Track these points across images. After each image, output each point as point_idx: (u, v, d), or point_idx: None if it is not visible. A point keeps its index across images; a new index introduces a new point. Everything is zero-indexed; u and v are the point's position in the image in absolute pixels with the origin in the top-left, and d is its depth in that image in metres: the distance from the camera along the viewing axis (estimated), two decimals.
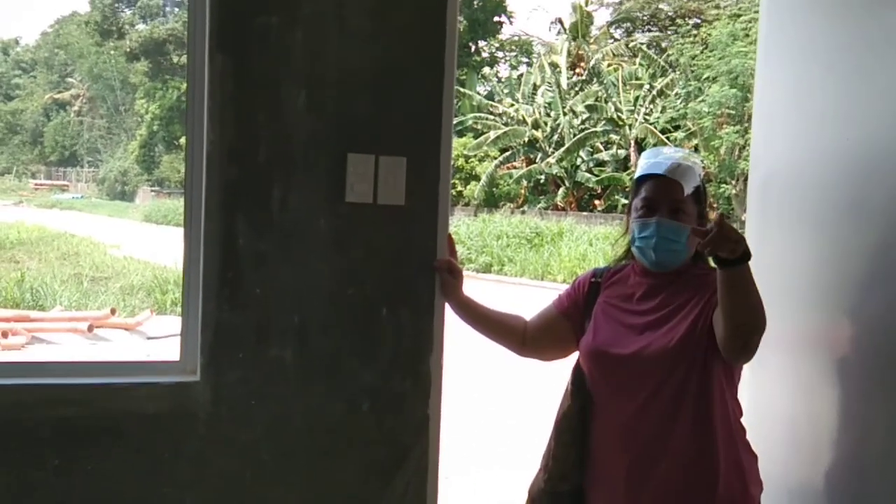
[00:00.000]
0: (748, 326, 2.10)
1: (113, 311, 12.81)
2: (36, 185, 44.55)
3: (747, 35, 21.65)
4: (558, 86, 26.61)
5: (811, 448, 2.66)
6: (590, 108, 26.14)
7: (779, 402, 2.68)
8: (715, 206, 21.23)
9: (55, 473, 2.48)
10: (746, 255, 2.02)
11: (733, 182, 21.72)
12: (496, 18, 34.81)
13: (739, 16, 23.20)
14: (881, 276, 2.46)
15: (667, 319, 2.30)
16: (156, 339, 11.72)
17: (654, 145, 22.43)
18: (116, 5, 43.60)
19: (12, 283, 15.02)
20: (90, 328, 11.97)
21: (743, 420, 2.37)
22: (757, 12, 2.93)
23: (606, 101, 26.08)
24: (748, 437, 2.38)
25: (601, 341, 2.37)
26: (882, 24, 2.47)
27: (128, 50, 41.40)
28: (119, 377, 2.57)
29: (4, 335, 11.21)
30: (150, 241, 21.94)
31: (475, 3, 32.82)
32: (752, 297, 2.08)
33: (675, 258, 2.32)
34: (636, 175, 2.43)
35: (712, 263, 2.16)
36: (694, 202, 2.34)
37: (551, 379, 2.52)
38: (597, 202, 25.94)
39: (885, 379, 2.41)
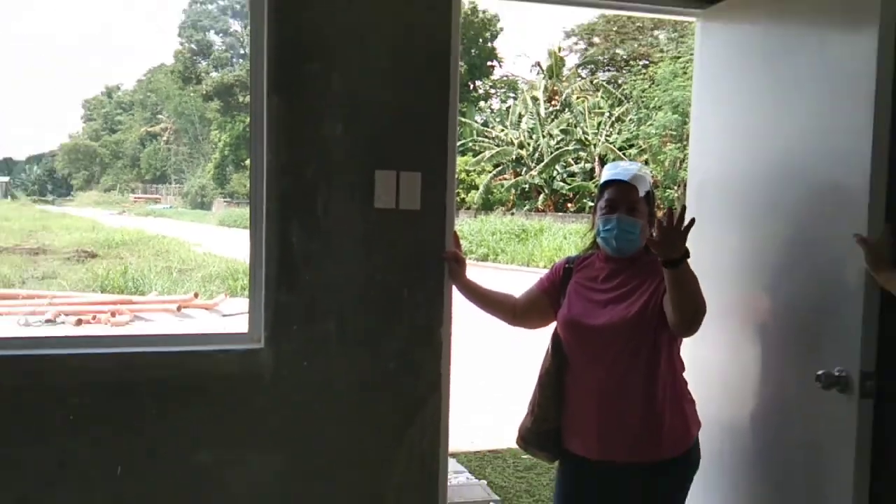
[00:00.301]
0: (692, 313, 2.10)
1: (196, 295, 12.85)
2: (135, 198, 44.63)
3: (685, 72, 21.54)
4: (538, 115, 26.54)
5: (738, 393, 2.65)
6: (563, 131, 26.07)
7: (714, 358, 2.67)
8: (661, 206, 21.17)
9: (153, 420, 2.50)
10: (686, 255, 2.03)
11: (675, 188, 21.62)
12: (489, 63, 34.71)
13: (679, 58, 23.07)
14: (790, 260, 2.46)
15: (626, 297, 2.29)
16: (229, 316, 11.76)
17: (614, 160, 22.35)
18: (195, 58, 43.60)
19: (118, 274, 15.10)
20: (178, 308, 12.02)
21: (685, 374, 2.37)
22: (692, 55, 2.91)
23: (576, 126, 26.01)
24: (689, 386, 2.38)
25: (574, 314, 2.36)
26: (790, 65, 2.46)
27: (204, 92, 41.42)
28: (201, 346, 2.59)
29: (112, 314, 11.25)
30: (223, 240, 21.96)
31: (473, 51, 32.75)
32: (693, 288, 2.08)
33: (631, 246, 2.32)
34: (601, 182, 2.43)
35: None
36: (646, 203, 2.33)
37: (534, 344, 2.52)
38: (569, 205, 25.86)
39: (794, 339, 2.42)
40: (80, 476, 2.46)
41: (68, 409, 2.43)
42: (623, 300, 2.29)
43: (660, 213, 2.11)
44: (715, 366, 2.70)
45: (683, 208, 2.07)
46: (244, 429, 2.56)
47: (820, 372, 2.19)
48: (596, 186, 2.42)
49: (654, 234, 2.07)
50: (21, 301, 11.81)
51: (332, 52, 2.56)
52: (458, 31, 2.66)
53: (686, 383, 2.36)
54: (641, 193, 2.31)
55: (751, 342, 2.60)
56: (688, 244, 2.04)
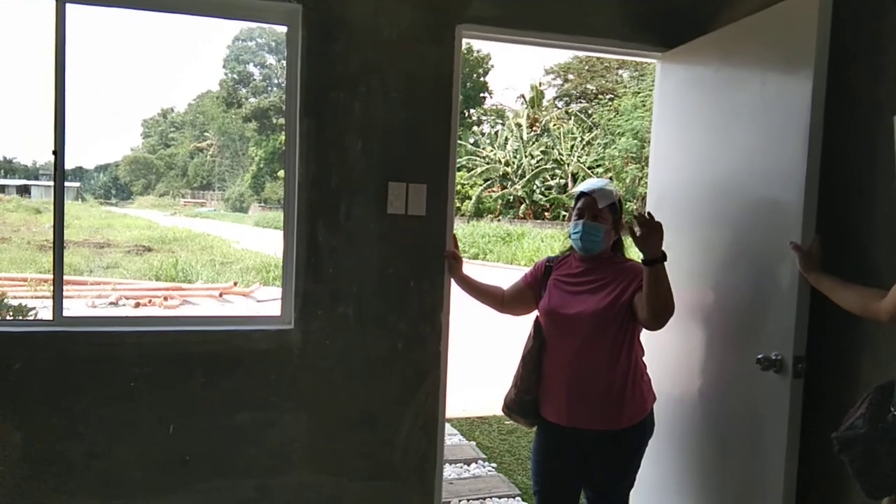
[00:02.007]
0: (662, 310, 2.12)
1: (235, 284, 12.84)
2: (184, 202, 44.47)
3: (644, 105, 21.56)
4: (521, 138, 26.50)
5: (690, 374, 2.65)
6: (542, 152, 26.02)
7: (670, 344, 2.66)
8: (624, 216, 21.18)
9: (201, 387, 2.50)
10: (664, 255, 2.05)
11: (634, 201, 21.64)
12: (481, 94, 34.67)
13: (639, 93, 23.09)
14: (735, 262, 2.45)
15: (597, 291, 2.29)
16: (263, 302, 11.74)
17: (584, 178, 22.41)
18: (236, 86, 43.46)
19: (170, 265, 15.04)
20: (220, 294, 12.00)
21: (644, 357, 2.37)
22: (651, 91, 2.91)
23: (552, 148, 25.97)
24: (648, 367, 2.38)
25: (553, 304, 2.36)
26: (736, 100, 2.46)
27: (244, 115, 41.32)
28: (241, 326, 2.58)
29: (165, 299, 11.24)
30: (258, 239, 21.91)
31: (468, 84, 32.70)
32: (667, 287, 2.10)
33: (595, 246, 2.32)
34: (575, 193, 2.45)
35: (627, 254, 2.16)
36: (610, 212, 2.34)
37: (518, 329, 2.51)
38: (546, 214, 25.82)
39: (738, 328, 2.41)
40: (138, 432, 2.45)
41: (129, 377, 2.43)
42: (594, 294, 2.29)
43: (632, 214, 2.12)
44: (671, 350, 2.70)
45: (650, 214, 2.08)
46: (276, 395, 2.56)
47: (760, 356, 2.19)
48: (569, 199, 2.42)
49: (636, 234, 2.07)
50: (89, 286, 11.79)
51: (355, 83, 2.55)
52: (459, 66, 2.66)
53: (644, 365, 2.36)
54: (601, 205, 2.32)
55: (701, 331, 2.60)
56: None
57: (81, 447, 2.41)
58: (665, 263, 2.08)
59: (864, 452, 1.52)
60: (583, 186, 2.40)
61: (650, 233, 2.06)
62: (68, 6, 2.38)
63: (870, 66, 2.12)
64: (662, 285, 2.09)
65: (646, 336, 2.30)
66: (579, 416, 2.28)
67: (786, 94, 2.19)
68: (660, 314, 2.12)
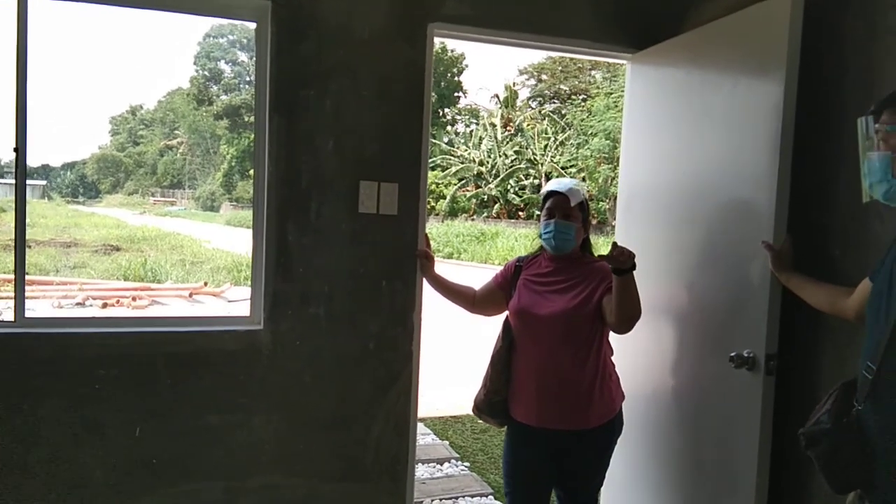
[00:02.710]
0: (629, 316, 2.13)
1: (205, 284, 12.67)
2: (154, 201, 43.76)
3: (616, 106, 21.73)
4: (495, 138, 26.57)
5: (662, 371, 2.66)
6: (516, 152, 26.11)
7: (643, 343, 2.66)
8: (595, 215, 21.39)
9: (169, 389, 2.46)
10: (634, 266, 2.07)
11: (607, 200, 21.83)
12: (455, 94, 34.63)
13: (611, 94, 23.26)
14: (707, 261, 2.48)
15: (566, 291, 2.29)
16: (234, 302, 11.61)
17: (557, 177, 22.55)
18: (208, 83, 42.88)
19: (139, 265, 14.79)
20: (190, 295, 11.82)
21: (613, 357, 2.38)
22: (622, 92, 2.92)
23: (526, 148, 26.08)
24: (621, 366, 2.39)
25: (523, 304, 2.36)
26: (706, 101, 2.49)
27: (215, 112, 40.80)
28: (209, 326, 2.55)
29: (133, 299, 11.04)
30: (229, 238, 21.66)
31: (442, 83, 32.61)
32: (635, 295, 2.11)
33: (567, 245, 2.33)
34: (543, 192, 2.45)
35: (595, 253, 2.17)
36: (579, 210, 2.35)
37: (488, 329, 2.52)
38: (520, 213, 25.92)
39: (711, 327, 2.43)
40: (104, 436, 2.41)
41: (94, 379, 2.38)
42: (564, 294, 2.29)
43: (595, 222, 2.13)
44: (643, 349, 2.71)
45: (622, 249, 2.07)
46: (245, 396, 2.53)
47: (732, 354, 2.21)
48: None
49: (611, 253, 2.06)
50: (55, 286, 11.53)
51: (326, 81, 2.53)
52: (431, 65, 2.65)
53: (613, 365, 2.37)
54: (573, 203, 2.32)
55: (675, 329, 2.61)
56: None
57: (44, 451, 2.35)
58: (635, 266, 2.09)
59: (830, 448, 1.55)
60: (552, 185, 2.40)
61: (626, 255, 2.05)
62: (31, 1, 2.33)
63: (835, 67, 2.16)
64: (631, 293, 2.10)
65: (618, 336, 2.31)
66: (549, 417, 2.28)
67: (758, 95, 2.22)
68: (627, 320, 2.14)
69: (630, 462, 2.77)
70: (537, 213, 23.48)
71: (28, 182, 2.40)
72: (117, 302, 10.92)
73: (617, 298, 2.10)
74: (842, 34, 2.13)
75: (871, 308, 1.56)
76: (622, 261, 2.03)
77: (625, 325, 2.16)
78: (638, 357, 2.73)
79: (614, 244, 2.07)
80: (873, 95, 1.59)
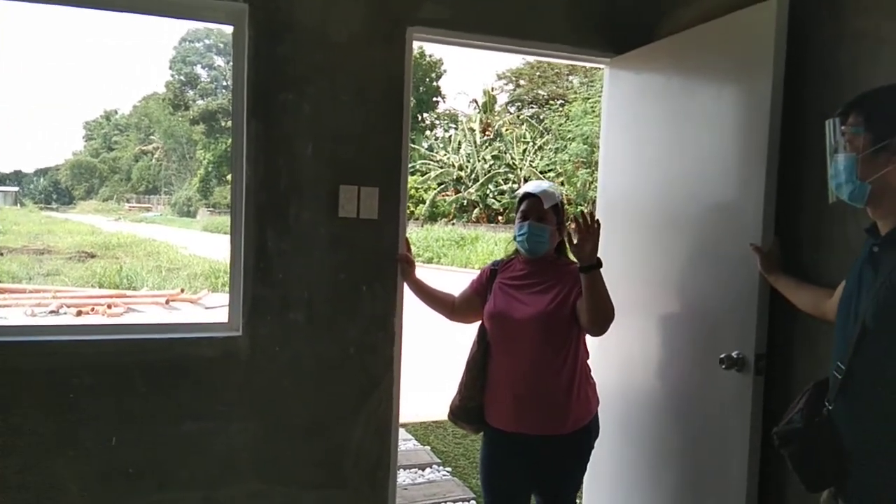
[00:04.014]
0: (602, 317, 2.13)
1: (182, 290, 12.54)
2: (129, 207, 43.24)
3: (594, 111, 21.91)
4: (474, 143, 26.63)
5: (649, 373, 2.67)
6: (494, 157, 26.19)
7: (629, 346, 2.68)
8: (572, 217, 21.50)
9: (145, 397, 2.42)
10: (599, 263, 2.07)
11: (585, 205, 21.97)
12: (434, 98, 34.69)
13: (588, 98, 23.46)
14: (694, 264, 2.49)
15: (542, 294, 2.28)
16: (211, 309, 11.49)
17: (536, 181, 22.65)
18: (183, 87, 42.49)
19: (114, 272, 14.59)
20: (167, 301, 11.68)
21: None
22: (600, 97, 2.94)
23: (505, 153, 26.16)
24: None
25: (497, 308, 2.35)
26: (689, 106, 2.51)
27: (191, 117, 40.43)
28: (186, 333, 2.51)
29: (109, 307, 10.88)
30: (206, 244, 21.45)
31: (421, 88, 32.67)
32: (604, 294, 2.11)
33: (541, 247, 2.32)
34: (518, 194, 2.44)
35: (572, 257, 2.18)
36: (553, 213, 2.35)
37: (465, 334, 2.51)
38: (500, 217, 25.96)
39: (700, 328, 2.44)
40: (78, 446, 2.36)
41: (69, 388, 2.34)
42: (540, 296, 2.28)
43: (575, 214, 2.13)
44: (632, 353, 2.72)
45: (591, 214, 2.09)
46: (224, 403, 2.50)
47: (722, 355, 2.23)
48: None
49: (573, 242, 2.08)
50: (28, 294, 11.33)
51: (304, 84, 2.52)
52: (410, 70, 2.65)
53: (589, 368, 2.35)
54: (547, 205, 2.32)
55: (663, 332, 2.62)
56: (599, 250, 2.07)
57: (16, 461, 2.30)
58: (605, 268, 2.08)
59: (802, 447, 1.57)
60: (527, 188, 2.40)
61: (587, 237, 2.05)
62: (1, 3, 2.29)
63: (806, 70, 2.19)
64: (599, 292, 2.09)
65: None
66: (525, 421, 2.27)
67: (744, 99, 2.24)
68: (599, 321, 2.14)
69: (619, 464, 2.78)
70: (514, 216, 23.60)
71: (0, 188, 2.35)
72: (92, 310, 10.75)
73: (586, 298, 2.10)
74: (812, 38, 2.17)
75: (842, 308, 1.58)
76: (585, 241, 2.03)
77: (598, 327, 2.15)
78: (626, 361, 2.74)
79: (568, 234, 2.07)
80: (842, 98, 1.62)
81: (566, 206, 2.44)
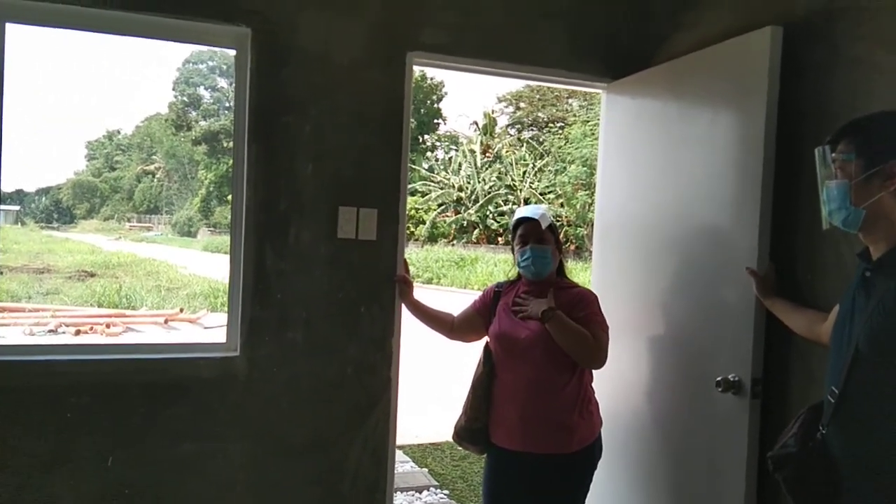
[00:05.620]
0: (583, 358, 2.24)
1: (181, 310, 12.51)
2: (130, 226, 43.28)
3: (593, 134, 22.00)
4: (474, 164, 26.76)
5: (646, 396, 2.67)
6: (495, 178, 26.34)
7: (627, 368, 2.67)
8: (573, 240, 21.55)
9: (142, 418, 2.42)
10: (552, 315, 2.19)
11: (585, 226, 22.00)
12: (435, 120, 34.92)
13: (588, 122, 23.57)
14: (685, 287, 2.50)
15: None
16: (210, 329, 11.47)
17: (536, 203, 22.73)
18: (186, 108, 42.78)
19: (113, 291, 14.59)
20: (166, 321, 11.66)
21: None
22: (599, 120, 2.97)
23: (505, 175, 26.27)
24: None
25: (502, 329, 2.37)
26: (685, 129, 2.53)
27: (193, 138, 40.63)
28: (184, 353, 2.52)
29: (108, 326, 10.87)
30: (206, 264, 21.44)
31: (422, 110, 32.89)
32: (574, 336, 2.20)
33: (545, 268, 2.36)
34: (513, 220, 2.48)
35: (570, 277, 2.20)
36: (550, 233, 2.39)
37: (468, 356, 2.51)
38: (499, 238, 25.97)
39: (696, 352, 2.44)
40: (75, 466, 2.35)
41: (67, 408, 2.34)
42: None
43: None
44: (628, 376, 2.72)
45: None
46: (222, 424, 2.50)
47: (719, 378, 2.22)
48: None
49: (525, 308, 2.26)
50: (27, 313, 11.31)
51: (305, 107, 2.55)
52: (410, 92, 2.68)
53: (593, 390, 2.38)
54: (545, 225, 2.37)
55: (659, 355, 2.62)
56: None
57: (13, 480, 2.29)
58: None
59: (796, 471, 1.56)
60: (521, 213, 2.44)
61: (530, 304, 2.24)
62: (8, 25, 2.32)
63: (799, 95, 2.21)
64: (566, 337, 2.19)
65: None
66: (531, 440, 2.28)
67: (738, 125, 2.27)
68: (583, 360, 2.24)
69: (617, 487, 2.76)
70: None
71: (1, 207, 2.37)
72: (91, 329, 10.73)
73: (559, 342, 2.20)
74: (806, 65, 2.20)
75: (836, 332, 1.59)
76: (530, 314, 2.23)
77: (584, 363, 2.25)
78: (622, 383, 2.73)
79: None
80: (837, 123, 1.63)
81: (565, 228, 2.47)
